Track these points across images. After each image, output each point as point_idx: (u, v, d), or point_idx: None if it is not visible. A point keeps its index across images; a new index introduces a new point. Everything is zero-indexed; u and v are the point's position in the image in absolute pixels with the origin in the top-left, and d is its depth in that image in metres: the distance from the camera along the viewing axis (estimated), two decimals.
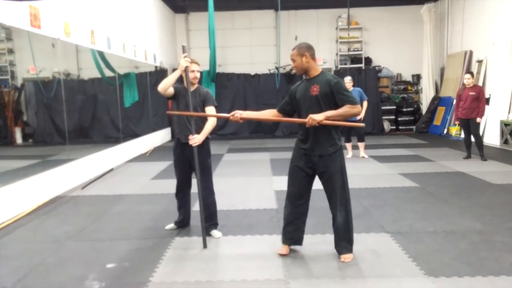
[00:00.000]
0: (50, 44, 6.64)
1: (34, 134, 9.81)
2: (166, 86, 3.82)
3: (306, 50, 3.40)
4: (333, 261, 3.43)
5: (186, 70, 3.82)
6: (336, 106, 3.31)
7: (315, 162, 3.41)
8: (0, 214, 4.64)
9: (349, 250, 3.47)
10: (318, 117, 3.17)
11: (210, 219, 4.10)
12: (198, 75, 3.99)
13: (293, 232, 3.59)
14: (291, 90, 3.57)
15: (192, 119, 3.87)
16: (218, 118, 3.99)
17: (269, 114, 3.69)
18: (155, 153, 9.91)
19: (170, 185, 5.70)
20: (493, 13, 10.48)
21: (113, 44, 8.35)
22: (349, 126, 8.21)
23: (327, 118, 3.20)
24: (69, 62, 9.45)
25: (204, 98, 3.98)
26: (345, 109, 3.24)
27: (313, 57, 3.41)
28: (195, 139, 3.79)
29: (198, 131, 3.90)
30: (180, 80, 3.98)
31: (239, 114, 3.46)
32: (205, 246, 3.75)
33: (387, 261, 3.40)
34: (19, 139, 9.13)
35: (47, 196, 5.59)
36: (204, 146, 4.02)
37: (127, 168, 8.07)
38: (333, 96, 3.30)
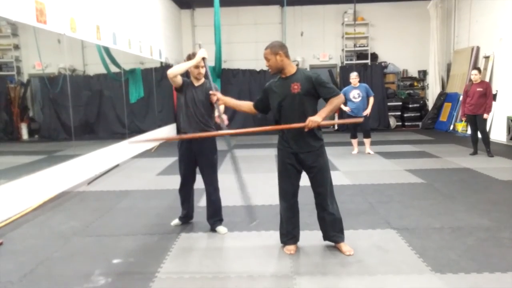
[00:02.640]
0: (56, 39, 6.65)
1: (40, 130, 9.84)
2: (177, 72, 3.77)
3: (280, 48, 3.37)
4: (339, 257, 3.42)
5: (204, 60, 3.84)
6: (316, 102, 3.41)
7: (303, 159, 3.43)
8: (7, 209, 4.66)
9: (343, 238, 3.56)
10: (318, 119, 3.23)
11: (215, 215, 4.11)
12: (203, 70, 3.97)
13: (293, 230, 3.60)
14: (266, 87, 3.54)
15: (198, 112, 3.88)
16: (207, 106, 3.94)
17: (247, 106, 3.65)
18: (160, 149, 9.92)
19: (175, 181, 5.69)
20: (500, 8, 10.37)
21: (119, 39, 8.35)
22: (355, 122, 8.26)
23: (323, 118, 3.28)
24: (74, 58, 9.47)
25: (209, 91, 3.93)
26: (333, 103, 3.32)
27: (287, 55, 3.40)
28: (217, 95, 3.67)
29: (206, 125, 3.95)
30: (186, 75, 3.99)
31: (218, 96, 3.53)
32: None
33: (394, 257, 3.38)
34: (25, 135, 9.16)
35: (53, 191, 5.61)
36: (211, 142, 4.03)
37: (132, 164, 8.09)
38: (315, 92, 3.33)
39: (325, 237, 3.60)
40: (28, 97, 9.61)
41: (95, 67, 9.89)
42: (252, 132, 3.70)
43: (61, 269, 3.36)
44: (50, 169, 5.69)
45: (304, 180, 3.57)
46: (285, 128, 3.38)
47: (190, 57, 3.94)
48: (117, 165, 7.71)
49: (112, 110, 10.55)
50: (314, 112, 3.35)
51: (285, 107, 3.38)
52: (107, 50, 8.31)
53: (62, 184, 5.87)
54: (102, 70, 9.19)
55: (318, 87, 3.33)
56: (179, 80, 3.87)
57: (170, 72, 3.76)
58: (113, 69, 9.07)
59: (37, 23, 5.37)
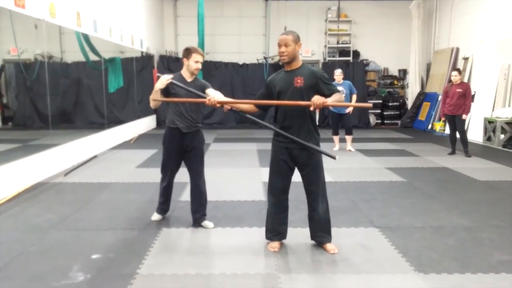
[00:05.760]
0: (33, 25, 6.42)
1: (14, 117, 9.53)
2: (155, 99, 3.82)
3: (299, 39, 3.34)
4: (323, 255, 3.41)
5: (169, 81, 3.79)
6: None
7: (296, 155, 3.38)
8: None
9: (330, 240, 3.53)
10: (325, 99, 3.14)
11: (202, 209, 4.05)
12: (200, 67, 3.90)
13: (279, 227, 3.56)
14: (269, 81, 3.48)
15: (188, 109, 3.82)
16: (197, 103, 3.82)
17: (249, 106, 3.55)
18: (140, 141, 9.75)
19: (155, 174, 5.58)
20: (480, 11, 10.55)
21: (100, 27, 8.12)
22: (338, 119, 8.30)
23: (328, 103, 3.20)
24: (51, 44, 9.17)
25: (202, 86, 3.90)
26: (336, 97, 3.26)
27: (300, 47, 3.37)
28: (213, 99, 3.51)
29: (196, 121, 3.93)
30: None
31: (214, 99, 3.40)
32: None
33: (378, 257, 3.38)
34: None
35: (28, 182, 5.43)
36: (200, 134, 4.00)
37: (111, 155, 7.91)
38: (317, 88, 3.28)
39: (312, 237, 3.58)
40: (2, 83, 9.29)
41: (73, 55, 9.60)
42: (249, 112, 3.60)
43: (37, 264, 3.23)
44: (25, 158, 5.50)
45: (293, 176, 3.52)
46: (290, 105, 3.27)
47: (189, 50, 3.84)
48: (95, 156, 7.53)
49: (90, 99, 10.28)
50: (313, 109, 3.31)
51: (285, 100, 3.32)
52: (86, 37, 8.08)
53: (38, 175, 5.69)
54: (81, 58, 8.93)
55: (321, 84, 3.28)
56: (162, 98, 3.86)
57: (152, 106, 3.92)
58: (92, 57, 8.83)
59: (15, 7, 5.16)
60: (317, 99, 3.10)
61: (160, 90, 3.77)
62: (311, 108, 3.14)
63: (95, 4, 7.95)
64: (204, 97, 3.66)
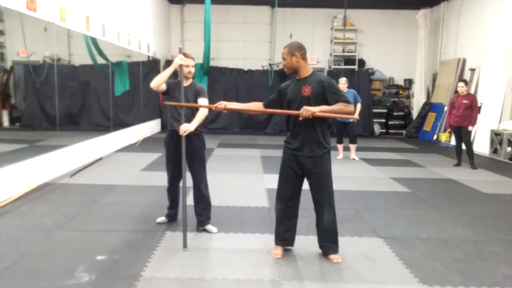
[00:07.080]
0: (42, 27, 6.50)
1: (22, 118, 9.61)
2: (159, 82, 3.82)
3: (297, 49, 3.35)
4: (327, 263, 3.41)
5: (180, 68, 3.78)
6: None
7: (303, 163, 3.39)
8: None
9: (336, 250, 3.50)
10: (313, 109, 3.15)
11: (206, 212, 4.08)
12: (192, 70, 3.95)
13: (284, 233, 3.57)
14: (281, 88, 3.52)
15: (182, 112, 3.83)
16: (205, 108, 3.90)
17: (255, 106, 3.63)
18: (145, 144, 9.78)
19: (160, 178, 5.65)
20: (488, 22, 10.57)
21: (108, 31, 8.19)
22: (342, 127, 8.31)
23: (321, 111, 3.19)
24: (60, 47, 9.26)
25: (197, 92, 3.94)
26: (339, 106, 3.25)
27: (303, 57, 3.37)
28: (185, 127, 3.70)
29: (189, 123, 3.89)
30: (174, 74, 3.93)
31: (224, 104, 3.42)
32: (185, 246, 3.65)
33: (381, 267, 3.38)
34: (6, 122, 8.94)
35: (35, 182, 5.46)
36: (200, 139, 4.01)
37: (116, 158, 7.94)
38: (324, 97, 3.28)
39: (320, 246, 3.57)
40: (11, 84, 9.39)
41: (80, 58, 9.68)
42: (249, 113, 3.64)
43: (43, 264, 3.26)
44: (32, 159, 5.53)
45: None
46: (279, 113, 3.34)
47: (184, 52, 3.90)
48: (100, 158, 7.56)
49: (96, 102, 10.37)
50: (322, 118, 3.30)
51: (294, 109, 3.34)
52: (94, 41, 8.15)
53: (44, 175, 5.72)
54: (88, 61, 9.01)
55: (328, 93, 3.28)
56: (163, 87, 3.90)
57: (153, 85, 3.83)
58: (100, 60, 8.90)
59: (26, 10, 5.22)
60: (305, 111, 3.13)
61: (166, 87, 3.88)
62: (300, 118, 3.19)
63: (104, 8, 8.02)
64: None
